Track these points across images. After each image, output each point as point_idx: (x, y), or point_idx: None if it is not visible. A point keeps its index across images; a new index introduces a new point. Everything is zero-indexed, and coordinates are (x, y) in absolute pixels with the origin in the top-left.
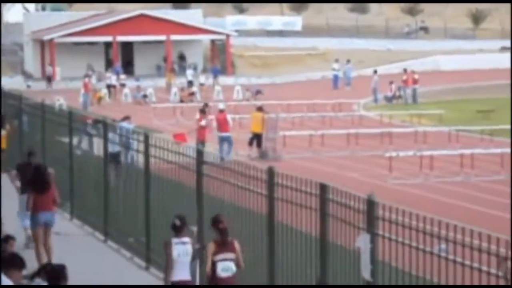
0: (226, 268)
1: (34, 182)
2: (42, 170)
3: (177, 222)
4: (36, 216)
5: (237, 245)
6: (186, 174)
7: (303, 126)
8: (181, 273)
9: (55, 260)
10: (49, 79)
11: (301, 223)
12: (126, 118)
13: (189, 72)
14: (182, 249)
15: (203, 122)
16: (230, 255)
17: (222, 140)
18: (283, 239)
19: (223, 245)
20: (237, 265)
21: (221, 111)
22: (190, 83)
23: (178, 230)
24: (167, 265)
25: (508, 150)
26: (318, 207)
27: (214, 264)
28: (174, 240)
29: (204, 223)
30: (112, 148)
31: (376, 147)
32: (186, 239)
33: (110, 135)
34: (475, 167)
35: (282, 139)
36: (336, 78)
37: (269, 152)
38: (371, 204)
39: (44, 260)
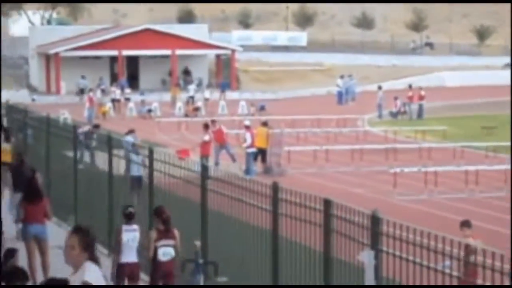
0: (166, 253)
1: (26, 192)
2: (35, 179)
3: (131, 210)
4: (26, 227)
5: (177, 233)
6: (191, 188)
7: (308, 142)
8: (129, 256)
9: (59, 275)
10: (82, 91)
11: (305, 238)
12: (131, 132)
13: (191, 87)
14: (131, 235)
15: (206, 137)
16: (171, 242)
17: (254, 154)
18: (287, 255)
19: (164, 233)
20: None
21: (248, 127)
22: (192, 98)
23: (129, 218)
24: (116, 249)
25: None
26: (322, 223)
27: (155, 249)
28: (125, 227)
29: (208, 237)
30: (133, 172)
31: (381, 163)
32: (135, 226)
33: (134, 157)
34: (480, 184)
35: (287, 155)
36: (340, 94)
37: (274, 167)
38: (375, 220)
39: (37, 273)
